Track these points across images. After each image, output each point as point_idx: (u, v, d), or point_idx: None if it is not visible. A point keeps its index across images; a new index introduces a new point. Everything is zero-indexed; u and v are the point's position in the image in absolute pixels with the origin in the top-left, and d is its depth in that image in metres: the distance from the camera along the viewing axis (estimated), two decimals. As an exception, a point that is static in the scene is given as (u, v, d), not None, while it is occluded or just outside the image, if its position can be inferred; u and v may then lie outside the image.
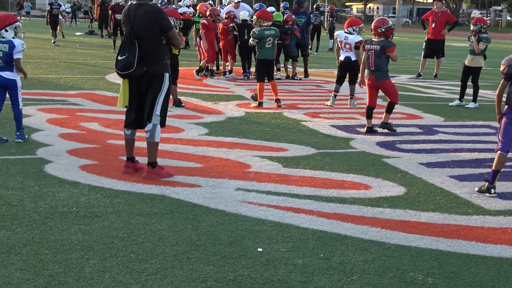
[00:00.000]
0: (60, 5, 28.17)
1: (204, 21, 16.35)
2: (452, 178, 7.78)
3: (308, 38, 18.78)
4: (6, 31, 8.76)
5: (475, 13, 69.50)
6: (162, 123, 7.37)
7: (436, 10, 19.23)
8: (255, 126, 10.65)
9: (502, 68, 7.00)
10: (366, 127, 10.32)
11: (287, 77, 17.64)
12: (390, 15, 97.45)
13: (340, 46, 12.82)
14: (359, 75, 10.91)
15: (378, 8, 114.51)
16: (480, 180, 7.54)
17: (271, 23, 13.10)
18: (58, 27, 29.13)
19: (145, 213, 6.14)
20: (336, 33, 13.28)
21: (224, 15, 17.00)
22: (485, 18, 16.14)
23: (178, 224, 5.85)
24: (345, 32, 12.85)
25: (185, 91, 14.31)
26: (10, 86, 8.80)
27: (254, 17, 12.91)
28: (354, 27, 12.89)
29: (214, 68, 17.49)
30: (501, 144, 7.04)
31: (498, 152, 7.06)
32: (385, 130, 10.35)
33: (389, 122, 10.40)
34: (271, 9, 19.51)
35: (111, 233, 5.58)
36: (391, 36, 10.30)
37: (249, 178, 7.45)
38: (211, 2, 23.14)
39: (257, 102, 12.68)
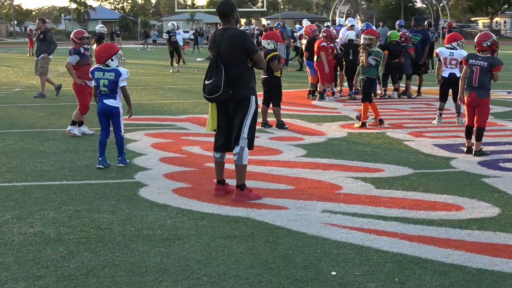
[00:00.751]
0: (175, 33, 28.72)
1: (324, 43, 16.32)
2: (554, 198, 7.38)
3: (424, 56, 18.35)
4: (112, 60, 9.11)
5: None
6: (250, 146, 7.41)
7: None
8: (354, 147, 10.54)
9: None
10: (466, 147, 9.93)
11: (402, 94, 17.40)
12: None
13: (444, 63, 12.45)
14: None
15: (505, 21, 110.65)
16: None
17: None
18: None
19: (227, 235, 6.19)
20: (437, 50, 12.92)
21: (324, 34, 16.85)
22: None
23: (256, 247, 5.85)
24: (447, 47, 12.50)
25: (291, 113, 14.39)
26: (113, 113, 9.14)
27: (369, 36, 12.66)
28: (458, 42, 12.53)
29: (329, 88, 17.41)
30: None
31: None
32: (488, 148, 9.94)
33: (481, 148, 9.85)
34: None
35: (189, 255, 5.65)
36: (496, 51, 9.84)
37: (337, 200, 7.37)
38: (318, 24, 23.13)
39: (361, 122, 12.53)
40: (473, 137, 9.77)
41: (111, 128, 9.27)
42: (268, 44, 12.22)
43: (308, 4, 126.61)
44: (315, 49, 16.44)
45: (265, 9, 78.40)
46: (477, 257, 5.56)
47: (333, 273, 5.23)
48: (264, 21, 33.09)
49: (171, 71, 27.78)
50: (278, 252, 5.73)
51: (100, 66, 9.08)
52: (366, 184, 8.11)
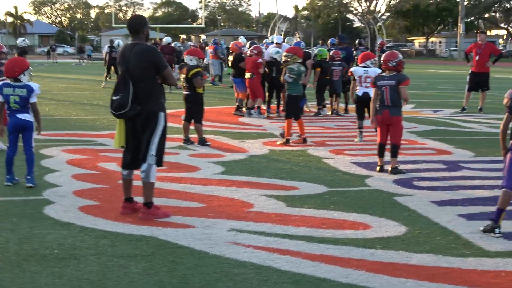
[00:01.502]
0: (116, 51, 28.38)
1: (260, 60, 16.29)
2: (461, 217, 7.43)
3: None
4: (24, 75, 8.81)
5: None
6: (159, 163, 7.27)
7: (479, 42, 18.78)
8: (273, 164, 10.48)
9: (505, 101, 6.68)
10: (378, 166, 9.97)
11: (332, 112, 17.51)
12: (452, 48, 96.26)
13: (359, 81, 12.55)
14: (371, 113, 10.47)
15: (440, 42, 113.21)
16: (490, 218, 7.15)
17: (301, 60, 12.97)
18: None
19: (126, 255, 6.02)
20: (351, 69, 13.06)
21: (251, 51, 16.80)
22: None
23: (154, 267, 5.70)
24: (361, 66, 12.64)
25: (216, 130, 14.30)
26: (27, 127, 8.81)
27: (287, 53, 12.72)
28: (371, 60, 12.69)
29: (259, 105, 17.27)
30: (506, 181, 6.70)
31: (503, 189, 6.71)
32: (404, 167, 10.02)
33: (397, 166, 9.91)
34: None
35: (83, 276, 5.46)
36: (401, 71, 9.96)
37: (247, 218, 7.27)
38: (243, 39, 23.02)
39: (284, 139, 12.50)
40: (389, 155, 9.80)
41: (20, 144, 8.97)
42: (191, 60, 12.13)
43: (248, 21, 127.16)
44: (249, 66, 16.37)
45: (203, 25, 78.17)
46: (376, 277, 5.51)
47: (228, 294, 5.11)
48: (203, 37, 32.87)
49: (103, 85, 27.37)
50: (176, 272, 5.59)
51: (9, 81, 8.76)
52: (278, 202, 8.03)
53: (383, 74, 9.95)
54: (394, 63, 9.78)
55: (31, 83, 8.83)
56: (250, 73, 16.37)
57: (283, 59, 12.79)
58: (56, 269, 5.63)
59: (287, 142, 12.41)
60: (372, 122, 10.13)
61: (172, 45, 27.45)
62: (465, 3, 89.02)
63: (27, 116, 8.81)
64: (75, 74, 38.67)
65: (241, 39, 24.91)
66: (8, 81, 8.75)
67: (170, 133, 13.46)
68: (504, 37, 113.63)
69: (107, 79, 27.69)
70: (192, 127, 12.40)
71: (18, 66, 8.78)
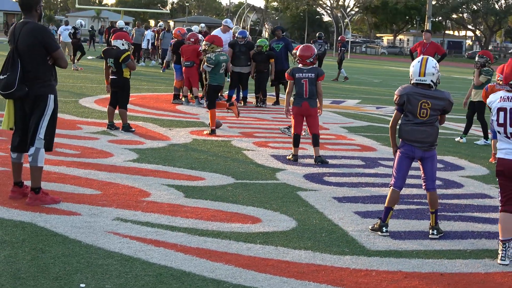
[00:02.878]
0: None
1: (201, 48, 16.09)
2: (356, 214, 7.35)
3: (287, 65, 18.29)
4: None
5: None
6: (48, 147, 7.06)
7: (424, 41, 18.74)
8: (190, 154, 10.31)
9: (394, 97, 6.59)
10: (293, 155, 10.04)
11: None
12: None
13: None
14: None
15: (408, 39, 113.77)
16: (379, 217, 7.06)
17: (222, 48, 12.78)
18: (67, 50, 29.45)
19: (-5, 241, 5.80)
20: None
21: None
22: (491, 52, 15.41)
23: (18, 255, 5.51)
24: None
25: (148, 116, 14.09)
26: None
27: (205, 42, 12.56)
28: None
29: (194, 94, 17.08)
30: (395, 180, 6.62)
31: (391, 188, 6.62)
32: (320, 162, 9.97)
33: (320, 155, 10.06)
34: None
35: None
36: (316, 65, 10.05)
37: (137, 208, 7.10)
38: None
39: (210, 129, 12.34)
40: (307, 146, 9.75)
41: None
42: (123, 45, 11.88)
43: (218, 10, 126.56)
44: (187, 54, 16.13)
45: (167, 11, 77.64)
46: (243, 272, 5.39)
47: (82, 285, 4.95)
48: (160, 23, 32.46)
49: (77, 68, 26.99)
50: (39, 261, 5.40)
51: None
52: (178, 192, 7.87)
53: (301, 67, 9.91)
54: (312, 59, 9.85)
55: None
56: (190, 61, 16.12)
57: (203, 47, 12.62)
58: None
59: (213, 133, 12.24)
60: (287, 112, 10.17)
61: (124, 29, 27.05)
62: (433, 2, 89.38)
63: None
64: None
65: (196, 28, 24.67)
66: None
67: (100, 118, 13.34)
68: (473, 38, 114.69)
69: (75, 61, 27.28)
70: (117, 111, 12.16)
71: None
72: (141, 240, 6.05)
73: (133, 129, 12.11)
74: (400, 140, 6.62)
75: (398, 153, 6.63)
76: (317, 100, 10.08)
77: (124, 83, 12.02)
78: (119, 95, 12.01)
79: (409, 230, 6.87)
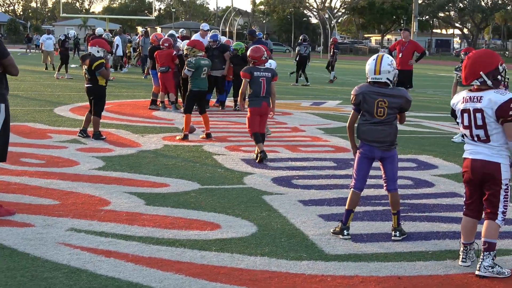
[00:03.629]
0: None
1: (175, 52, 15.98)
2: (320, 217, 7.17)
3: None
4: None
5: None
6: (1, 158, 6.85)
7: (403, 39, 18.60)
8: (158, 160, 10.12)
9: (351, 97, 6.43)
10: (258, 153, 10.13)
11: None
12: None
13: None
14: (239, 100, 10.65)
15: (396, 39, 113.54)
16: (352, 220, 6.87)
17: (203, 53, 12.60)
18: (49, 59, 29.39)
19: None
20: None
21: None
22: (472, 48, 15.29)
23: (-40, 270, 5.29)
24: None
25: (121, 123, 13.89)
26: None
27: (187, 46, 12.41)
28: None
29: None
30: (355, 181, 6.45)
31: (351, 189, 6.45)
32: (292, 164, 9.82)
33: (263, 149, 10.21)
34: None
35: None
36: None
37: (94, 217, 6.91)
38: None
39: (183, 134, 12.15)
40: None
41: None
42: (98, 52, 11.67)
43: (206, 15, 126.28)
44: (162, 59, 15.95)
45: (153, 17, 77.50)
46: (192, 282, 5.21)
47: (22, 300, 4.74)
48: (182, 30, 32.05)
49: (59, 76, 26.85)
50: (-19, 275, 5.19)
51: None
52: (139, 200, 7.69)
53: (256, 66, 9.89)
54: (265, 57, 9.84)
55: None
56: (165, 66, 15.94)
57: (184, 52, 12.46)
58: None
59: (185, 138, 12.05)
60: (242, 106, 10.75)
61: (104, 36, 26.87)
62: (420, 1, 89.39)
63: None
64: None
65: (180, 32, 24.49)
66: None
67: (71, 126, 13.13)
68: (460, 36, 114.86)
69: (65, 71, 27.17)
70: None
71: None
72: (92, 251, 5.86)
73: (104, 137, 11.91)
74: (360, 140, 6.45)
75: (357, 154, 6.45)
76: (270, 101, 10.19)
77: (99, 90, 11.80)
78: (95, 102, 11.79)
79: (372, 232, 6.70)
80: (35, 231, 6.37)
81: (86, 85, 11.88)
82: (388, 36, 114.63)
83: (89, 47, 12.04)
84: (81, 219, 6.85)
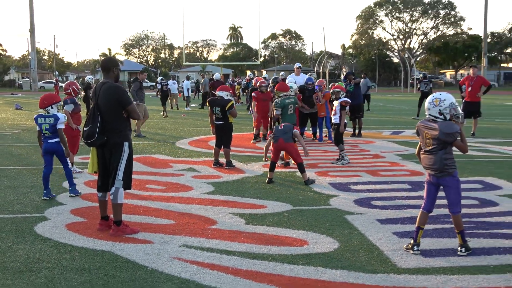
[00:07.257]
0: (167, 83, 29.03)
1: (254, 93, 16.20)
2: (394, 235, 6.96)
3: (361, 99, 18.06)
4: (52, 108, 9.00)
5: None
6: (126, 186, 7.05)
7: (471, 75, 18.02)
8: (258, 185, 10.13)
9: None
10: (268, 179, 10.26)
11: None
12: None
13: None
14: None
15: (468, 74, 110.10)
16: (423, 237, 6.68)
17: (288, 92, 12.66)
18: (169, 100, 30.15)
19: (76, 268, 5.81)
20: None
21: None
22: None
23: (92, 280, 5.47)
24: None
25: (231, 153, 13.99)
26: (57, 151, 9.06)
27: (276, 90, 12.56)
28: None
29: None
30: (424, 204, 6.25)
31: (421, 210, 6.25)
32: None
33: (308, 178, 10.11)
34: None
35: (26, 287, 5.26)
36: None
37: (202, 235, 6.98)
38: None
39: (284, 161, 12.15)
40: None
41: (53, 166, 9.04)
42: (227, 96, 11.97)
43: (303, 58, 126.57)
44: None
45: (259, 63, 78.53)
46: (281, 292, 5.14)
47: (139, 306, 4.83)
48: (249, 73, 32.45)
49: (164, 115, 27.56)
50: (110, 285, 5.36)
51: (42, 113, 9.05)
52: (241, 219, 7.71)
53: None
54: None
55: (59, 113, 9.01)
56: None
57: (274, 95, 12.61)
58: (8, 281, 5.46)
59: (287, 165, 12.04)
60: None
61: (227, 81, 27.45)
62: (488, 40, 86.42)
63: (56, 142, 8.95)
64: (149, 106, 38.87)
65: (280, 75, 24.70)
66: (42, 113, 9.09)
67: (189, 156, 13.39)
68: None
69: (166, 109, 27.88)
70: (221, 152, 12.17)
71: (47, 100, 9.10)
72: (199, 264, 5.91)
73: (234, 165, 12.07)
74: (426, 167, 6.26)
75: (426, 180, 6.27)
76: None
77: (230, 127, 12.04)
78: (224, 137, 12.00)
79: (440, 248, 6.44)
80: (154, 247, 6.49)
81: (216, 123, 12.05)
82: (461, 71, 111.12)
83: (217, 92, 12.29)
84: (192, 236, 6.92)
